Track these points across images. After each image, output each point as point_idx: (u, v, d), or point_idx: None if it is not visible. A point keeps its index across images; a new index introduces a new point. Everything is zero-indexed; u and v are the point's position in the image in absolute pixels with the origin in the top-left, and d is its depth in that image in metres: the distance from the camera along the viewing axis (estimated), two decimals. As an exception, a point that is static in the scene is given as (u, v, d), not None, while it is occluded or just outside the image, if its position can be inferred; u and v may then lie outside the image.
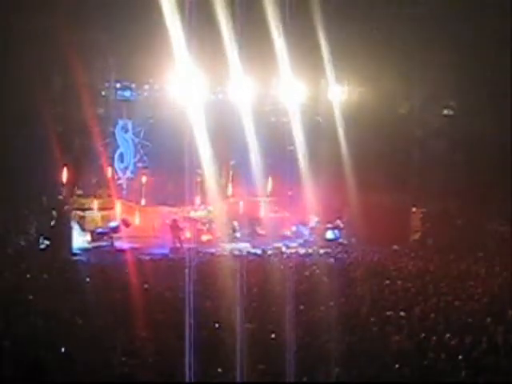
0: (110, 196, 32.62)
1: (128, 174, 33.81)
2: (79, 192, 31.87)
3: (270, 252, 28.83)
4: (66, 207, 30.57)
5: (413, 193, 32.38)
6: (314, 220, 33.06)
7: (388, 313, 17.36)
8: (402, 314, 17.34)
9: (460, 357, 14.17)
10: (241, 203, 33.56)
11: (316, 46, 30.51)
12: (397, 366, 13.68)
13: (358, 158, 31.28)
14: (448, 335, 15.32)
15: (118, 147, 33.79)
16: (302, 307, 17.50)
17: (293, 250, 29.87)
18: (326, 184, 30.81)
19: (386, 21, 31.01)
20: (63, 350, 13.75)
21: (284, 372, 13.11)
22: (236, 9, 27.22)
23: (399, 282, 21.61)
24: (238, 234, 32.31)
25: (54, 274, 22.13)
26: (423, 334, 15.52)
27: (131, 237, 31.08)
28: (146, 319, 15.68)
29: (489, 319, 16.87)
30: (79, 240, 29.87)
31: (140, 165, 33.78)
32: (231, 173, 34.13)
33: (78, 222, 30.72)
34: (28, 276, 21.57)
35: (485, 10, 30.24)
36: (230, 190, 34.19)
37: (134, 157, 33.83)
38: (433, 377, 13.50)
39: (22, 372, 12.50)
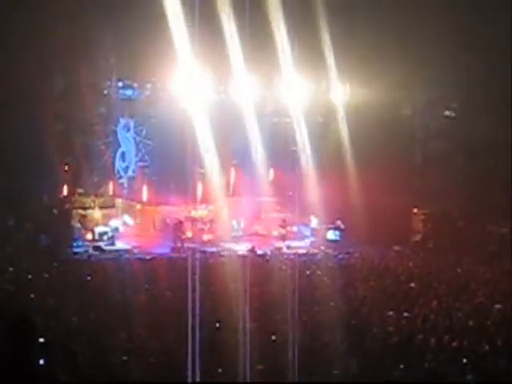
0: (111, 195, 32.65)
1: (129, 172, 33.77)
2: (80, 191, 31.86)
3: (270, 252, 28.82)
4: (67, 206, 30.61)
5: (414, 194, 32.34)
6: (315, 220, 33.03)
7: (389, 313, 17.35)
8: (404, 314, 17.33)
9: (461, 358, 14.16)
10: (242, 203, 33.51)
11: (319, 47, 30.49)
12: (401, 366, 13.68)
13: (359, 158, 31.28)
14: (448, 337, 15.31)
15: (119, 146, 33.74)
16: (303, 307, 17.46)
17: (294, 251, 29.83)
18: (327, 185, 30.81)
19: (388, 21, 30.93)
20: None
21: (284, 372, 13.09)
22: (239, 8, 27.18)
23: (400, 283, 21.59)
24: (239, 234, 32.27)
25: (55, 273, 22.12)
26: (422, 335, 15.50)
27: (132, 236, 31.11)
28: (146, 318, 15.68)
29: (490, 321, 16.86)
30: (80, 239, 29.89)
31: (141, 164, 33.72)
32: (233, 172, 34.08)
33: (80, 221, 30.75)
34: (29, 276, 21.53)
35: (488, 11, 30.18)
36: (231, 190, 34.13)
37: (136, 156, 33.77)
38: (432, 378, 13.48)
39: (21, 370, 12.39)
